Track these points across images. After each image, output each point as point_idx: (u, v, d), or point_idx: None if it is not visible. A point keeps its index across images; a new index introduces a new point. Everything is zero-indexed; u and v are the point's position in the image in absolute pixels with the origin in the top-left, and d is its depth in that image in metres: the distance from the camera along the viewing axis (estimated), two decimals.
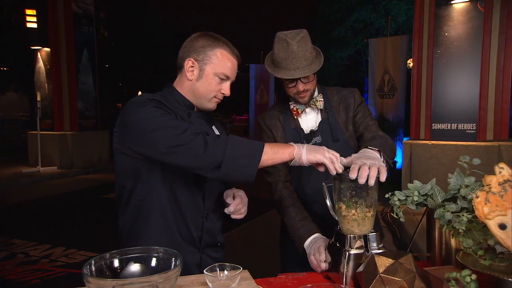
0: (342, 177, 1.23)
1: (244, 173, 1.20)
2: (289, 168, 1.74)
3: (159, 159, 1.25)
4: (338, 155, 1.24)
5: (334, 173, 1.22)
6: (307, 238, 1.53)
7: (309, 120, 1.73)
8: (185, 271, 1.32)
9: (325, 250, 1.37)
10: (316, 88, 1.72)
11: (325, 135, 1.68)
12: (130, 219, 1.38)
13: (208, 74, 1.38)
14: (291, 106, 1.72)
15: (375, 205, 1.25)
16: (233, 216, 1.42)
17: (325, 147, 1.26)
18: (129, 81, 20.08)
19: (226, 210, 1.39)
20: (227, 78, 1.41)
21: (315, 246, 1.44)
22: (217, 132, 1.54)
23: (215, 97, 1.42)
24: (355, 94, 1.74)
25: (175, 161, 1.22)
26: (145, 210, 1.36)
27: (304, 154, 1.23)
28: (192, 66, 1.39)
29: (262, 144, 1.23)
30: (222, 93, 1.43)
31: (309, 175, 1.69)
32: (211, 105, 1.44)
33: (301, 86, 1.60)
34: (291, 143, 1.28)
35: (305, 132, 1.71)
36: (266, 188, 1.76)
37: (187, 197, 1.38)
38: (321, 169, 1.26)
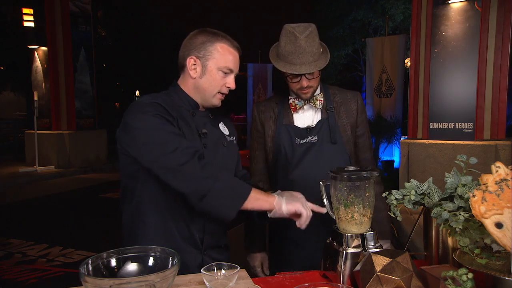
0: (339, 176, 1.23)
1: (222, 214, 1.23)
2: (276, 171, 1.73)
3: (151, 170, 1.27)
4: (311, 213, 1.29)
5: (303, 225, 1.29)
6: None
7: (306, 117, 1.70)
8: (187, 273, 1.32)
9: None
10: (319, 87, 1.71)
11: (321, 136, 1.65)
12: (130, 218, 1.39)
13: (212, 69, 1.38)
14: (290, 101, 1.70)
15: (373, 204, 1.25)
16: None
17: (303, 199, 1.30)
18: (127, 80, 20.04)
19: (298, 224, 1.36)
20: (231, 71, 1.41)
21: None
22: (224, 130, 1.53)
23: (219, 92, 1.42)
24: (358, 100, 1.73)
25: (164, 178, 1.23)
26: (145, 209, 1.35)
27: (284, 204, 1.26)
28: (194, 64, 1.39)
29: (249, 189, 1.25)
30: (228, 87, 1.42)
31: (300, 175, 1.68)
32: (216, 101, 1.43)
33: (305, 82, 1.58)
34: (273, 194, 1.30)
35: (301, 127, 1.68)
36: None
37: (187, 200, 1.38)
38: (298, 222, 1.31)
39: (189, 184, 1.19)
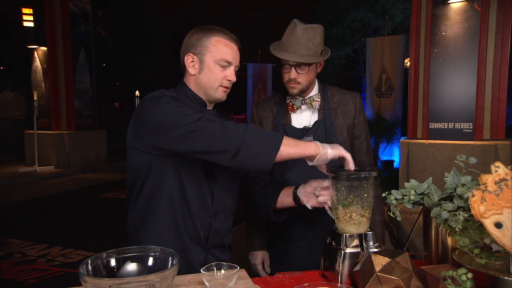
0: (338, 176, 1.23)
1: (260, 162, 1.20)
2: (273, 170, 1.73)
3: (175, 148, 1.26)
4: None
5: (353, 168, 1.23)
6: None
7: (304, 117, 1.71)
8: (190, 270, 1.33)
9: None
10: (317, 87, 1.71)
11: (317, 136, 1.65)
12: (139, 215, 1.39)
13: (209, 63, 1.38)
14: (288, 101, 1.71)
15: (371, 204, 1.25)
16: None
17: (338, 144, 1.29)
18: (126, 80, 20.04)
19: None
20: (229, 63, 1.40)
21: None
22: None
23: (221, 85, 1.41)
24: (356, 101, 1.72)
25: (192, 146, 1.22)
26: (154, 206, 1.36)
27: (328, 147, 1.24)
28: (192, 61, 1.40)
29: (282, 135, 1.23)
30: (228, 80, 1.41)
31: (295, 176, 1.67)
32: (219, 94, 1.42)
33: (293, 74, 1.59)
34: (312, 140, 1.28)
35: (297, 128, 1.69)
36: None
37: (196, 196, 1.38)
38: (324, 170, 1.29)
39: (220, 141, 1.18)
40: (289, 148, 1.21)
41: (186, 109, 1.26)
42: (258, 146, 1.19)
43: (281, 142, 1.20)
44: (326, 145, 1.24)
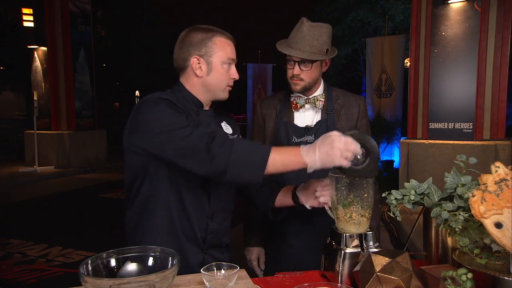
0: (338, 176, 1.23)
1: (250, 179, 1.24)
2: None
3: (167, 160, 1.28)
4: (353, 146, 1.19)
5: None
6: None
7: (307, 116, 1.71)
8: (188, 271, 1.33)
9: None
10: (322, 87, 1.72)
11: (319, 136, 1.64)
12: (136, 215, 1.39)
13: (217, 65, 1.40)
14: (292, 99, 1.71)
15: (371, 204, 1.25)
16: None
17: (334, 139, 1.18)
18: (126, 80, 20.05)
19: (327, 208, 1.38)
20: (233, 61, 1.43)
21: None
22: (227, 129, 1.54)
23: (227, 85, 1.44)
24: (361, 104, 1.72)
25: (182, 164, 1.25)
26: (151, 207, 1.36)
27: (318, 161, 1.19)
28: (199, 63, 1.39)
29: (268, 151, 1.22)
30: (233, 78, 1.44)
31: (295, 175, 1.67)
32: (225, 94, 1.45)
33: (296, 70, 1.60)
34: (302, 147, 1.23)
35: (299, 126, 1.69)
36: None
37: (192, 197, 1.38)
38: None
39: (207, 164, 1.21)
40: (276, 166, 1.23)
41: (179, 120, 1.26)
42: (245, 166, 1.22)
43: (268, 160, 1.21)
44: (315, 154, 1.19)
